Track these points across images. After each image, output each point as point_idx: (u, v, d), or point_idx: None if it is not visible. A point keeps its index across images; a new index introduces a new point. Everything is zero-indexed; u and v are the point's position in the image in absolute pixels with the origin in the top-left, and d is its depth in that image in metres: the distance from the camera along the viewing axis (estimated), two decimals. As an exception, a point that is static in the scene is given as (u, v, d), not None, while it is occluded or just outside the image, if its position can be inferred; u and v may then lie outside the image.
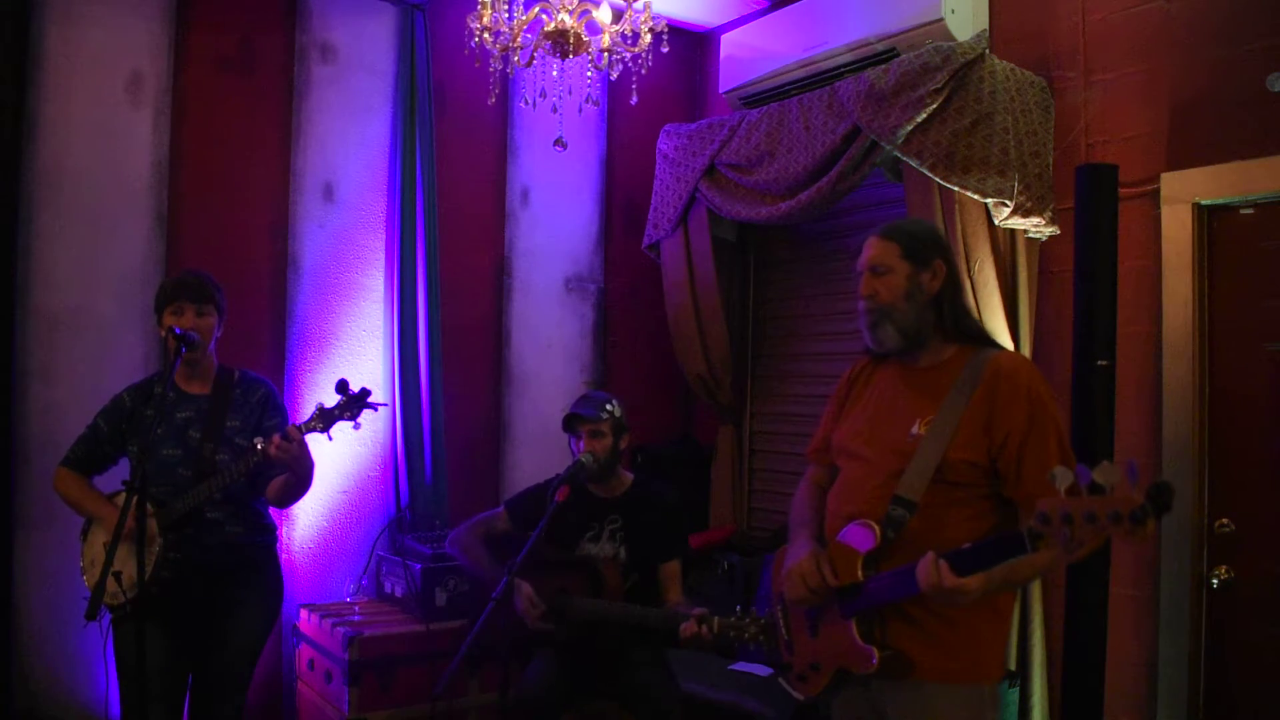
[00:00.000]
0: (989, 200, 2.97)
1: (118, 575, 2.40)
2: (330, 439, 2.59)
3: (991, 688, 1.98)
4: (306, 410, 2.65)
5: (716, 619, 2.54)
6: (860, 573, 1.92)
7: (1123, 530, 1.46)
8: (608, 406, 2.98)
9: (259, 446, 2.53)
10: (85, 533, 2.74)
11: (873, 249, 2.06)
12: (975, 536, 1.83)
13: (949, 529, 1.88)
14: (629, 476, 3.09)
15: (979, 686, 1.94)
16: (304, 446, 2.56)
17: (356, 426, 2.59)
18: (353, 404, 2.57)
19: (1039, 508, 1.57)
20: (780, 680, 2.16)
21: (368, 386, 2.60)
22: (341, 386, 2.58)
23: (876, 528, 1.91)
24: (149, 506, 2.53)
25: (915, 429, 1.96)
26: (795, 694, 2.10)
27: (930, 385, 2.01)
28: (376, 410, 2.61)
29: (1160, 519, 1.45)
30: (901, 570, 1.84)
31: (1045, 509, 1.56)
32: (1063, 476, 1.51)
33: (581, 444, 2.95)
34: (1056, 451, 1.87)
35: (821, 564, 1.97)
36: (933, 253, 2.04)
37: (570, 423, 2.99)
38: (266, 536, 2.83)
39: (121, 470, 2.66)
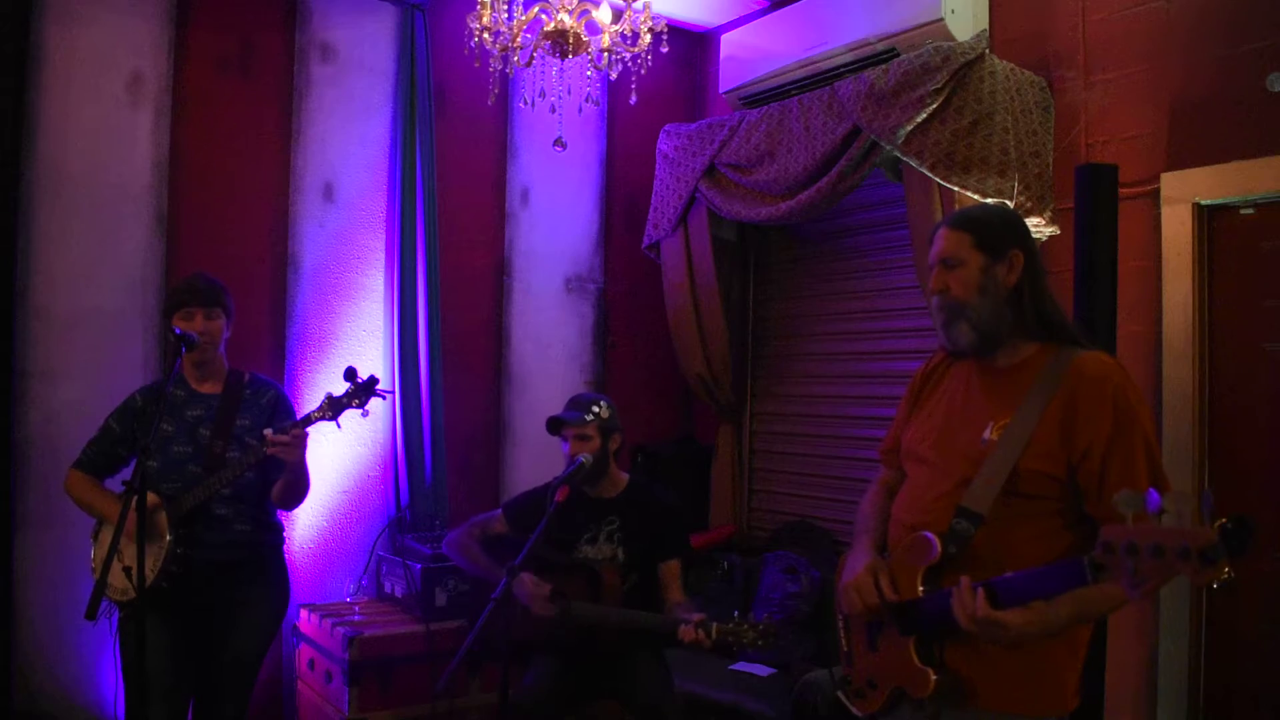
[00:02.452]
0: (989, 200, 2.97)
1: (128, 571, 2.40)
2: (339, 427, 2.63)
3: None
4: (307, 411, 2.66)
5: (715, 624, 2.52)
6: (920, 588, 1.79)
7: (1191, 568, 1.31)
8: (594, 409, 2.96)
9: (268, 435, 2.55)
10: (96, 533, 2.74)
11: (944, 240, 1.89)
12: (1045, 557, 1.69)
13: (1015, 546, 1.73)
14: (624, 477, 3.07)
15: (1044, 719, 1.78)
16: (301, 445, 2.57)
17: (365, 414, 2.62)
18: (361, 392, 2.60)
19: (1102, 535, 1.43)
20: (839, 694, 2.03)
21: (375, 374, 2.62)
22: (350, 374, 2.61)
23: (938, 541, 1.77)
24: (159, 502, 2.54)
25: (987, 434, 1.80)
26: (854, 710, 1.98)
27: (1007, 386, 1.84)
28: (385, 398, 2.65)
29: (1235, 559, 1.31)
30: (949, 592, 1.71)
31: (1109, 537, 1.42)
32: (1130, 502, 1.37)
33: (567, 446, 2.95)
34: (1145, 467, 1.70)
35: (880, 577, 1.84)
36: (1009, 242, 1.86)
37: (554, 426, 2.99)
38: (273, 536, 2.84)
39: (130, 471, 2.66)
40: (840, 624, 2.04)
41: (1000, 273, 1.85)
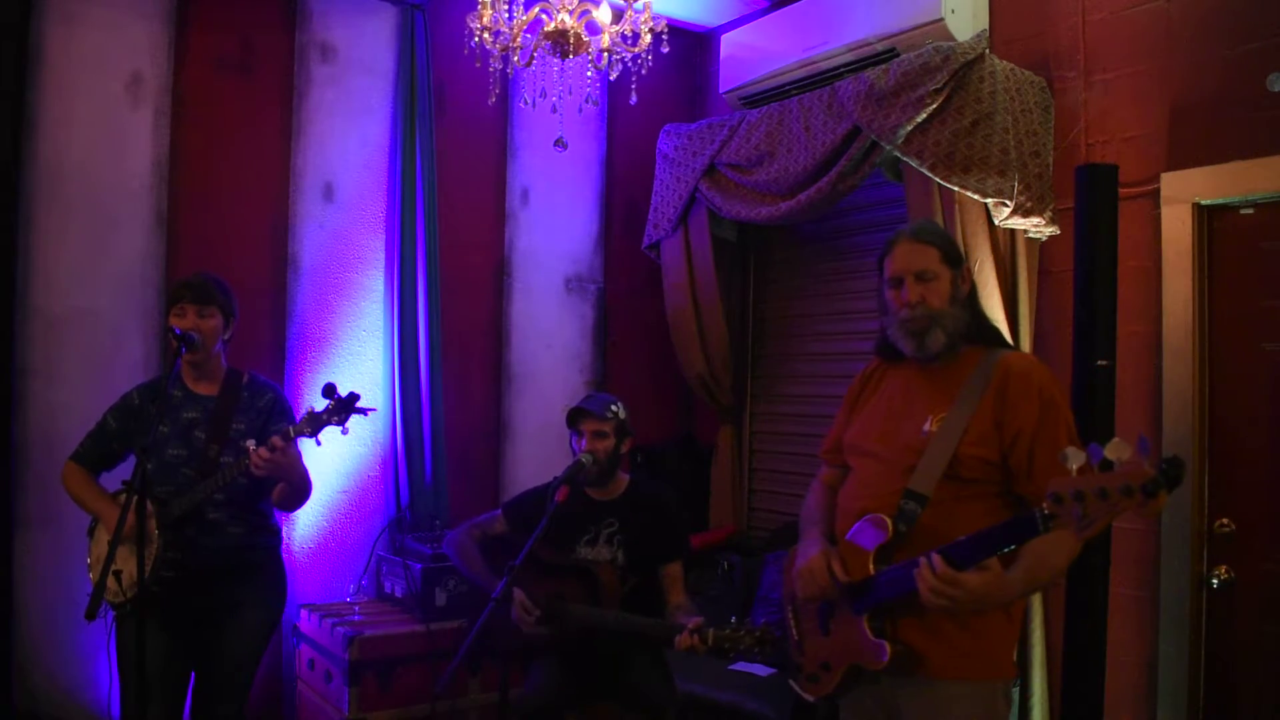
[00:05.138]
0: (989, 200, 2.97)
1: (118, 574, 2.40)
2: (319, 444, 2.56)
3: (1004, 685, 1.99)
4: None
5: (711, 631, 2.50)
6: (872, 567, 1.93)
7: (1135, 503, 1.45)
8: (613, 407, 2.95)
9: (251, 450, 2.52)
10: (92, 530, 2.74)
11: (916, 254, 2.04)
12: None
13: (961, 524, 1.86)
14: (625, 478, 3.05)
15: (991, 684, 1.95)
16: (290, 456, 2.54)
17: (345, 432, 2.55)
18: (341, 409, 2.53)
19: (1050, 488, 1.57)
20: (790, 682, 2.13)
21: (356, 391, 2.56)
22: (329, 391, 2.53)
23: (888, 521, 1.92)
24: (149, 505, 2.53)
25: (927, 426, 1.98)
26: (806, 695, 2.08)
27: (943, 383, 2.02)
28: (366, 415, 2.57)
29: (1171, 491, 1.44)
30: (907, 564, 1.85)
31: (1057, 488, 1.55)
32: (1074, 456, 1.51)
33: (583, 442, 2.92)
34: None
35: (832, 561, 1.99)
36: (961, 257, 2.09)
37: (575, 417, 2.95)
38: (269, 538, 2.83)
39: (127, 468, 2.65)
40: (789, 614, 2.15)
41: (959, 284, 2.06)
